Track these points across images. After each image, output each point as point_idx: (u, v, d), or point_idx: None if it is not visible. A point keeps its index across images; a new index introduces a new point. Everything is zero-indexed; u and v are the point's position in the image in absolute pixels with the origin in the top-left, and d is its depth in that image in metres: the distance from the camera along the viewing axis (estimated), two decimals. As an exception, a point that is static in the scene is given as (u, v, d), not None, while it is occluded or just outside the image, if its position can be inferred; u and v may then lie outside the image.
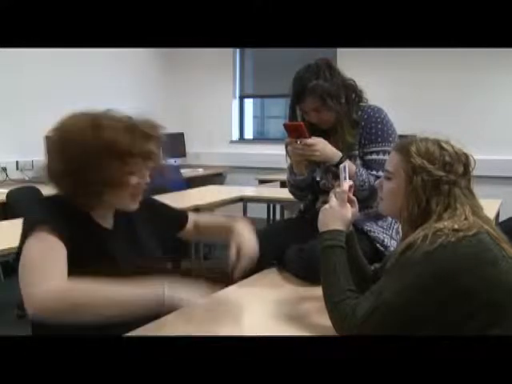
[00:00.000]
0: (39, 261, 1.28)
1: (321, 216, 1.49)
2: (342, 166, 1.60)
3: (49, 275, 1.24)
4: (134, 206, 1.49)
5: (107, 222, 1.51)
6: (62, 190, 1.43)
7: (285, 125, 2.01)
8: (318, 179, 2.15)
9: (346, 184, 1.54)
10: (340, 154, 1.98)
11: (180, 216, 1.80)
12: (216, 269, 1.86)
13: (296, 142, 1.98)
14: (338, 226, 1.46)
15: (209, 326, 1.43)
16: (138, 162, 1.43)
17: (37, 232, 1.31)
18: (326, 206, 1.50)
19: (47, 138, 1.49)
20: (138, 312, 1.24)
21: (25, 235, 1.35)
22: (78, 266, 1.29)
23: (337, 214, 1.47)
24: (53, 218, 1.34)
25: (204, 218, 1.85)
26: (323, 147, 1.97)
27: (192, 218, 1.80)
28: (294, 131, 1.98)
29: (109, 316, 1.20)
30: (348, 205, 1.50)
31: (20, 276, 1.29)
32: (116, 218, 1.53)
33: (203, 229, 1.80)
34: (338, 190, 1.52)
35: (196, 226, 1.78)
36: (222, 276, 1.68)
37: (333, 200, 1.50)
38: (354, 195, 1.56)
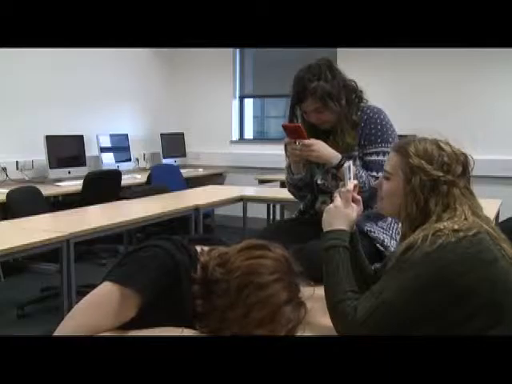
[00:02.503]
0: (86, 311, 1.24)
1: (325, 215, 1.49)
2: (346, 165, 1.60)
3: (79, 327, 1.21)
4: None
5: None
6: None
7: (283, 126, 2.02)
8: (317, 181, 2.15)
9: (351, 183, 1.54)
10: (338, 156, 1.99)
11: None
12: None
13: (294, 142, 1.99)
14: (343, 225, 1.46)
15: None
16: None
17: (123, 285, 1.22)
18: (331, 205, 1.50)
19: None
20: None
21: (114, 277, 1.26)
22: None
23: (341, 213, 1.47)
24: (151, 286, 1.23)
25: None
26: (321, 148, 1.98)
27: None
28: (293, 132, 1.99)
29: None
30: (353, 204, 1.50)
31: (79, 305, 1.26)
32: None
33: None
34: (342, 189, 1.52)
35: None
36: None
37: (337, 199, 1.50)
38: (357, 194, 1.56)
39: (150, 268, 1.24)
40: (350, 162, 1.65)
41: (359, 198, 1.55)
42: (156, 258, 1.26)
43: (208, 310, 1.23)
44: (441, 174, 1.32)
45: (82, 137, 5.20)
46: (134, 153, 6.00)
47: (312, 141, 1.97)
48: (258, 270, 1.20)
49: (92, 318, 1.22)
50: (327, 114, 2.03)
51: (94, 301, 1.24)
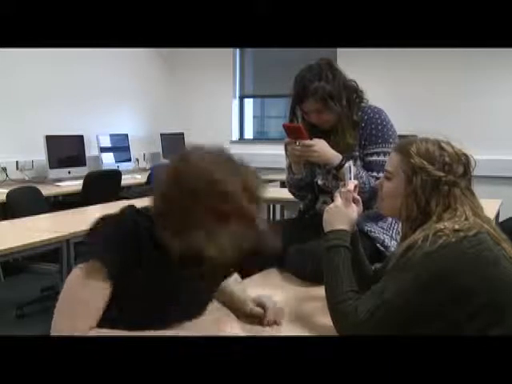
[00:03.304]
0: (74, 297, 1.22)
1: (326, 215, 1.49)
2: (347, 165, 1.60)
3: (74, 315, 1.19)
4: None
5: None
6: (167, 218, 1.24)
7: (284, 126, 2.02)
8: (318, 181, 2.15)
9: (352, 184, 1.54)
10: (339, 156, 1.99)
11: None
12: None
13: (295, 142, 1.99)
14: (344, 225, 1.46)
15: (210, 326, 1.43)
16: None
17: (88, 264, 1.22)
18: (331, 205, 1.50)
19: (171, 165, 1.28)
20: None
21: (80, 258, 1.25)
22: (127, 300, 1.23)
23: (342, 213, 1.47)
24: (115, 252, 1.22)
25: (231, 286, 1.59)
26: (322, 148, 1.98)
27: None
28: (293, 132, 1.99)
29: None
30: (353, 204, 1.50)
31: (57, 304, 1.24)
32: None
33: (228, 296, 1.57)
34: (343, 189, 1.52)
35: (222, 291, 1.56)
36: None
37: (338, 199, 1.50)
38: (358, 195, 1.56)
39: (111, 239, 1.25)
40: (351, 162, 1.66)
41: (359, 198, 1.55)
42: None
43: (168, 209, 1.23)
44: (442, 174, 1.32)
45: (82, 137, 5.20)
46: (134, 153, 5.99)
47: (312, 141, 1.97)
48: (209, 170, 1.21)
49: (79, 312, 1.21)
50: (328, 115, 2.03)
51: (73, 295, 1.23)
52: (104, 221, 1.29)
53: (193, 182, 1.20)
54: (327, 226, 1.47)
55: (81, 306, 1.21)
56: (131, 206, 1.34)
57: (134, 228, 1.26)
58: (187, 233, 1.21)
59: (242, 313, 1.52)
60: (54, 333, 1.20)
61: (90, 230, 1.28)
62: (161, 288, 1.30)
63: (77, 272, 1.23)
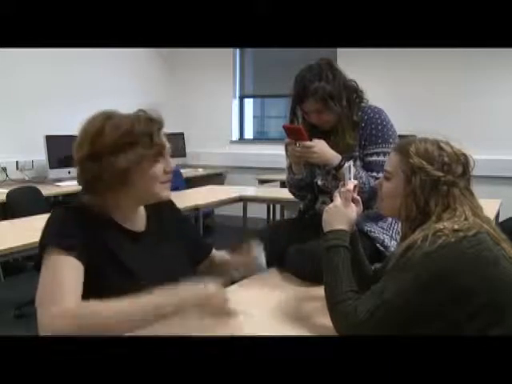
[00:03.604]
0: (50, 284, 1.24)
1: (325, 215, 1.49)
2: (346, 165, 1.61)
3: (58, 298, 1.20)
4: (165, 193, 1.44)
5: (136, 225, 1.47)
6: (87, 174, 1.42)
7: (284, 127, 2.02)
8: (318, 181, 2.15)
9: (351, 184, 1.54)
10: (339, 157, 1.98)
11: (206, 247, 1.71)
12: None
13: (295, 143, 1.99)
14: (343, 225, 1.46)
15: (209, 326, 1.43)
16: (158, 149, 1.41)
17: (50, 251, 1.27)
18: (331, 205, 1.50)
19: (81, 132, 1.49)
20: (157, 321, 1.20)
21: (40, 252, 1.30)
22: (99, 278, 1.28)
23: (341, 213, 1.47)
24: (68, 233, 1.30)
25: (219, 255, 1.72)
26: (322, 149, 1.98)
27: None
28: (293, 133, 1.99)
29: (125, 331, 1.17)
30: (352, 204, 1.50)
31: (36, 295, 1.25)
32: (148, 221, 1.49)
33: (218, 265, 1.68)
34: (342, 189, 1.52)
35: (213, 262, 1.69)
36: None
37: (337, 199, 1.50)
38: (357, 195, 1.56)
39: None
40: (350, 163, 1.66)
41: (358, 198, 1.55)
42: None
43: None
44: (441, 174, 1.32)
45: (81, 137, 5.19)
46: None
47: (312, 142, 1.97)
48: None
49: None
50: (328, 115, 2.03)
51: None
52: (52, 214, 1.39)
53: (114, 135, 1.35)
54: (326, 226, 1.47)
55: (59, 288, 1.22)
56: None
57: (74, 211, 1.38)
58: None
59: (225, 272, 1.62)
60: (38, 318, 1.19)
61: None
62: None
63: (45, 262, 1.27)
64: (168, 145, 1.47)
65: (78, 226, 1.32)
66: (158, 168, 1.40)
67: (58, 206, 1.44)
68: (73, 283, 1.25)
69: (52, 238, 1.30)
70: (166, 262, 1.47)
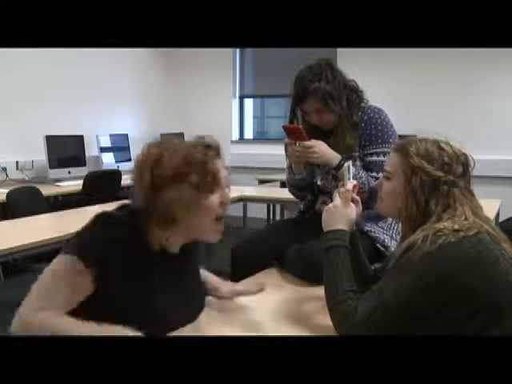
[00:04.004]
0: (44, 286, 1.24)
1: (325, 215, 1.49)
2: (346, 165, 1.61)
3: (34, 305, 1.22)
4: (217, 236, 1.38)
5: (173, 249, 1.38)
6: (147, 202, 1.29)
7: (284, 127, 2.02)
8: (317, 182, 2.15)
9: (350, 184, 1.54)
10: (338, 157, 1.99)
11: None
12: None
13: (295, 143, 1.99)
14: (343, 225, 1.46)
15: (210, 326, 1.43)
16: (217, 182, 1.34)
17: (71, 258, 1.24)
18: (330, 205, 1.50)
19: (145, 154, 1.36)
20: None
21: (65, 250, 1.28)
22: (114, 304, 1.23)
23: (341, 213, 1.47)
24: (100, 251, 1.24)
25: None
26: (321, 149, 1.98)
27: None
28: (293, 134, 1.99)
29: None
30: (352, 204, 1.50)
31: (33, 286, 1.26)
32: (182, 253, 1.41)
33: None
34: (341, 189, 1.52)
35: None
36: None
37: (337, 199, 1.50)
38: (357, 195, 1.56)
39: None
40: (350, 163, 1.66)
41: (358, 198, 1.55)
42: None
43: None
44: (441, 174, 1.32)
45: (81, 137, 5.20)
46: (134, 153, 5.97)
47: (312, 142, 1.97)
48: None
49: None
50: (328, 115, 2.03)
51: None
52: (99, 218, 1.32)
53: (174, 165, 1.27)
54: (326, 226, 1.47)
55: (51, 297, 1.22)
56: (126, 206, 1.36)
57: (124, 230, 1.28)
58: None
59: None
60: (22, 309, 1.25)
61: (86, 225, 1.31)
62: (146, 285, 1.30)
63: (59, 261, 1.25)
64: (226, 174, 1.39)
65: (114, 249, 1.26)
66: (213, 199, 1.32)
67: (108, 215, 1.34)
68: (61, 298, 1.22)
69: (81, 246, 1.26)
70: (190, 290, 1.44)
